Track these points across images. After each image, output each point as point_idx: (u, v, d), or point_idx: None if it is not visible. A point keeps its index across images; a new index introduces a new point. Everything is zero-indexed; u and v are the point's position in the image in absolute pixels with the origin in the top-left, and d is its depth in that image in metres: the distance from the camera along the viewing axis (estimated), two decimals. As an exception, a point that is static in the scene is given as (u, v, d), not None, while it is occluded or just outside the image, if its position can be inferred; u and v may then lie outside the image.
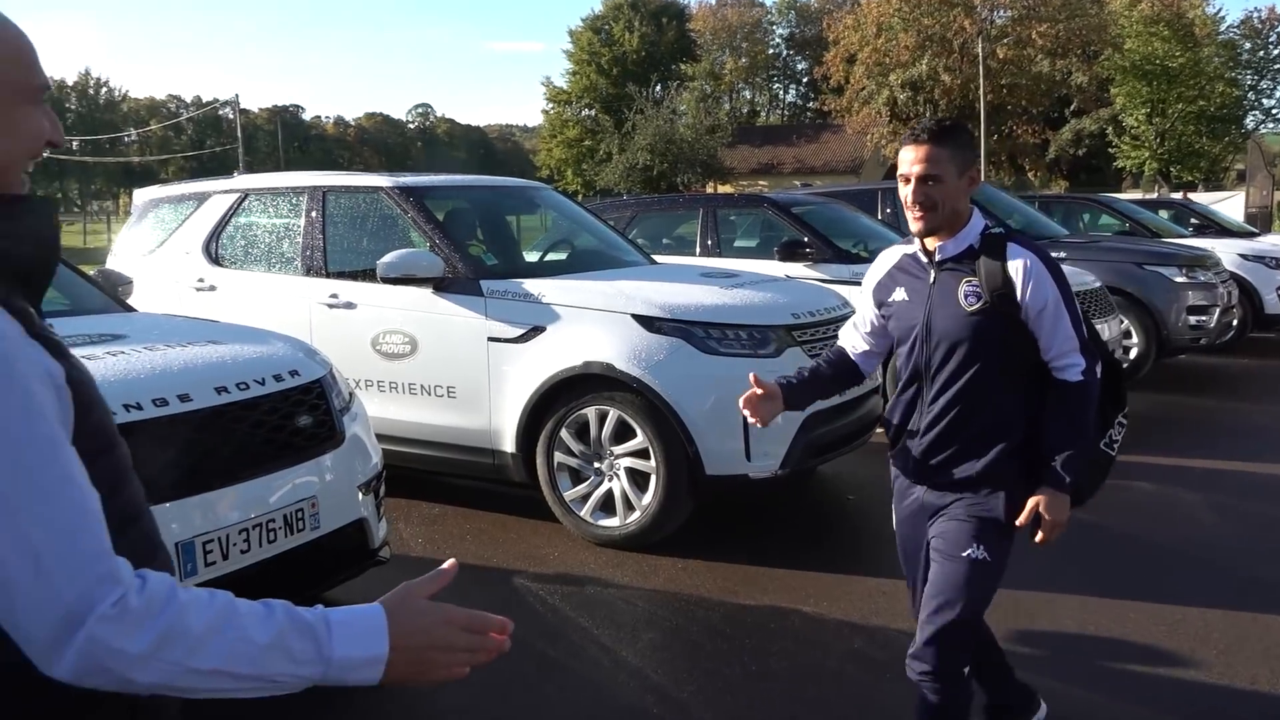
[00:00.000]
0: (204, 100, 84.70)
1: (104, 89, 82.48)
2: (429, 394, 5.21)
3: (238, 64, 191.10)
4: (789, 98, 66.15)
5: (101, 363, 3.07)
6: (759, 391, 2.56)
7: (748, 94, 64.00)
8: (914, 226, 2.48)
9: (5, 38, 1.13)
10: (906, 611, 2.77)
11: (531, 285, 5.07)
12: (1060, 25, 34.55)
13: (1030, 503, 2.42)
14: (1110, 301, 7.75)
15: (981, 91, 32.33)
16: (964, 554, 2.44)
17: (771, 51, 62.23)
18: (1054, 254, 8.78)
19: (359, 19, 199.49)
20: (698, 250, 8.19)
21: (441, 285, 5.13)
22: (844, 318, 4.68)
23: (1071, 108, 38.29)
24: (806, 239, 7.54)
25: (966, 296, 2.45)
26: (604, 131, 40.29)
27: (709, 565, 4.57)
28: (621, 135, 38.27)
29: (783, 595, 4.22)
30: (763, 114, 63.79)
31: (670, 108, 38.60)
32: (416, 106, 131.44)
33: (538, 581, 4.47)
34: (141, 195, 6.78)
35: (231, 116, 54.18)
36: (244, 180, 6.52)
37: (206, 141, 78.44)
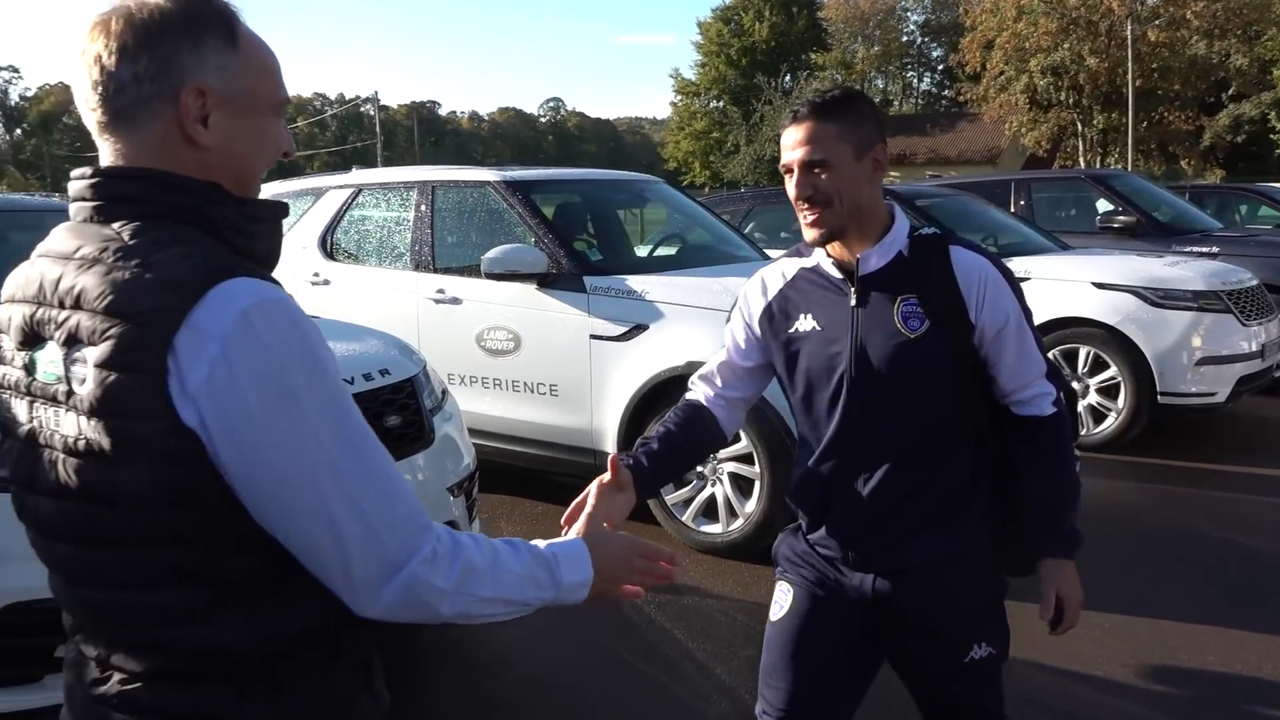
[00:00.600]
0: (346, 98, 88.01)
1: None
2: (531, 391, 5.13)
3: (378, 60, 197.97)
4: (923, 86, 64.40)
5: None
6: (606, 478, 1.90)
7: (880, 83, 62.57)
8: (808, 233, 1.91)
9: (260, 55, 1.22)
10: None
11: (635, 282, 4.93)
12: (1219, 4, 32.44)
13: (1045, 588, 1.93)
14: (1269, 300, 7.12)
15: (1130, 76, 30.68)
16: (968, 659, 1.98)
17: (905, 39, 60.61)
18: (1206, 249, 8.06)
19: (492, 15, 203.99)
20: (816, 245, 7.91)
21: (545, 281, 5.04)
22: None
23: (1230, 92, 35.91)
24: (931, 233, 7.18)
25: (907, 320, 1.88)
26: (732, 123, 39.92)
27: (815, 578, 4.34)
28: (749, 127, 37.86)
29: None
30: (896, 103, 62.24)
31: (800, 98, 37.95)
32: (548, 100, 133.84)
33: (635, 588, 4.32)
34: (264, 191, 6.93)
35: (372, 113, 55.93)
36: (358, 175, 6.59)
37: (349, 137, 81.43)
